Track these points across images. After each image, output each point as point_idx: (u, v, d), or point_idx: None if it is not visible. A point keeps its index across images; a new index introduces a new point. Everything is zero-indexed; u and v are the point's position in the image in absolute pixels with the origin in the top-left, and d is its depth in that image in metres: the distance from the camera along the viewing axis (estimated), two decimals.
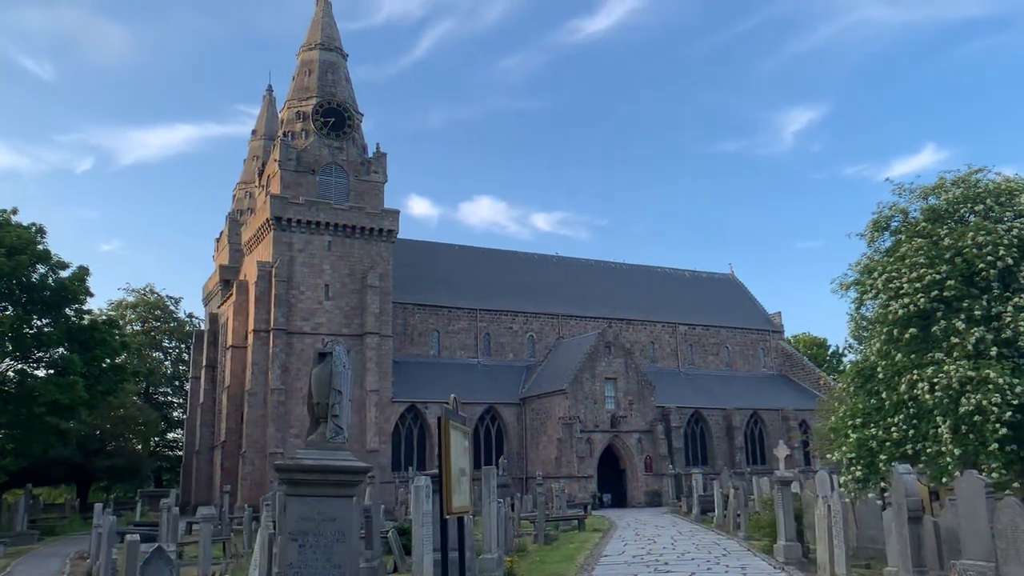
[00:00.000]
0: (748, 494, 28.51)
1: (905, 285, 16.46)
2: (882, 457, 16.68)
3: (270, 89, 69.74)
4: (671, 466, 50.14)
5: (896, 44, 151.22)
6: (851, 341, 32.67)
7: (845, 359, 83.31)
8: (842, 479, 17.29)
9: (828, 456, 18.66)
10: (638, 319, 63.75)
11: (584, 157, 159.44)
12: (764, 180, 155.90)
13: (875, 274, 17.33)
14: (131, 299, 73.21)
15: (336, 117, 51.43)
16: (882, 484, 16.92)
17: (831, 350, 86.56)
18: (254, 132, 69.77)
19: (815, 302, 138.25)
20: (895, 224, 18.57)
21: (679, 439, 54.26)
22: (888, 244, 18.65)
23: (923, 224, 17.58)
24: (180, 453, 67.26)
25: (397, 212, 51.67)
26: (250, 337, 47.89)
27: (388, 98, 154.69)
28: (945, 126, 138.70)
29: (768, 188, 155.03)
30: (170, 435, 74.56)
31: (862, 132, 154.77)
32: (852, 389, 19.00)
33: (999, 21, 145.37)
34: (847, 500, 16.83)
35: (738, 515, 25.36)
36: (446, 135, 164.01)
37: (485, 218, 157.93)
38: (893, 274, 16.82)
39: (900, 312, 16.44)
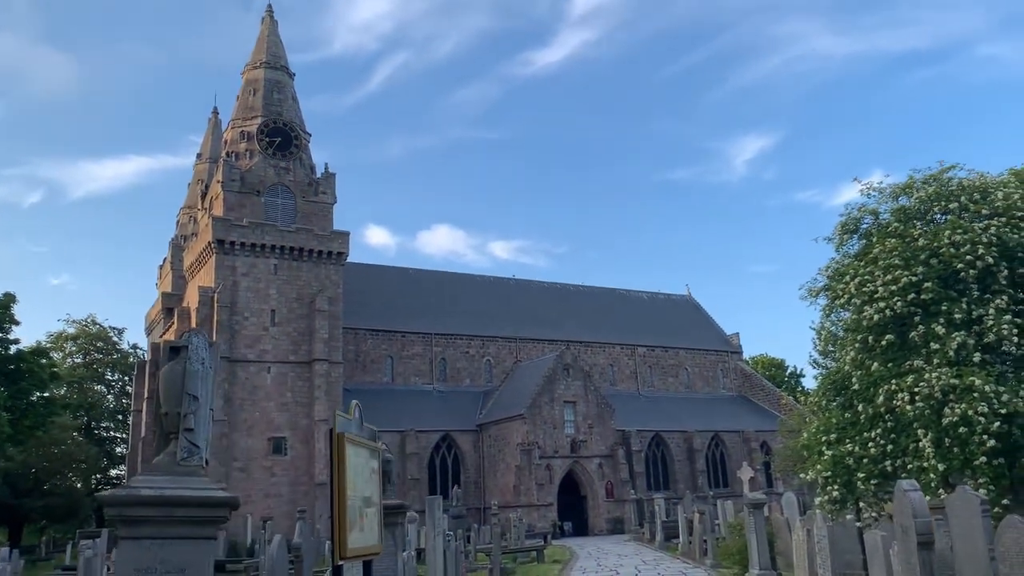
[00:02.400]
0: (714, 519, 27.16)
1: (880, 288, 15.29)
2: (860, 475, 15.38)
3: (215, 111, 67.71)
4: (633, 491, 48.69)
5: (842, 74, 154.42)
6: (815, 356, 31.81)
7: (803, 379, 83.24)
8: (817, 499, 15.98)
9: (803, 475, 17.36)
10: (596, 341, 62.55)
11: (541, 186, 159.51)
12: (718, 207, 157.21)
13: (846, 278, 16.15)
14: (71, 330, 69.98)
15: (282, 136, 49.65)
16: (860, 504, 15.66)
17: (789, 371, 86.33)
18: (199, 155, 67.56)
19: (771, 325, 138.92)
20: (865, 226, 17.47)
21: (640, 463, 52.88)
22: (858, 248, 17.53)
23: (895, 224, 16.49)
24: None
25: (347, 234, 49.88)
26: None
27: (345, 129, 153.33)
28: (891, 152, 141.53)
29: (722, 215, 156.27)
30: (112, 471, 71.14)
31: (812, 159, 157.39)
32: (824, 403, 17.71)
33: (937, 53, 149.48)
34: (830, 523, 15.52)
35: (704, 541, 23.97)
36: (403, 165, 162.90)
37: (443, 246, 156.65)
38: (866, 277, 15.66)
39: (875, 317, 15.26)
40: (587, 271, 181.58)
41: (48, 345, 62.91)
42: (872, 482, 15.39)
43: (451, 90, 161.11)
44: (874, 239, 16.67)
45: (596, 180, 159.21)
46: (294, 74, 53.77)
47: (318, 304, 47.36)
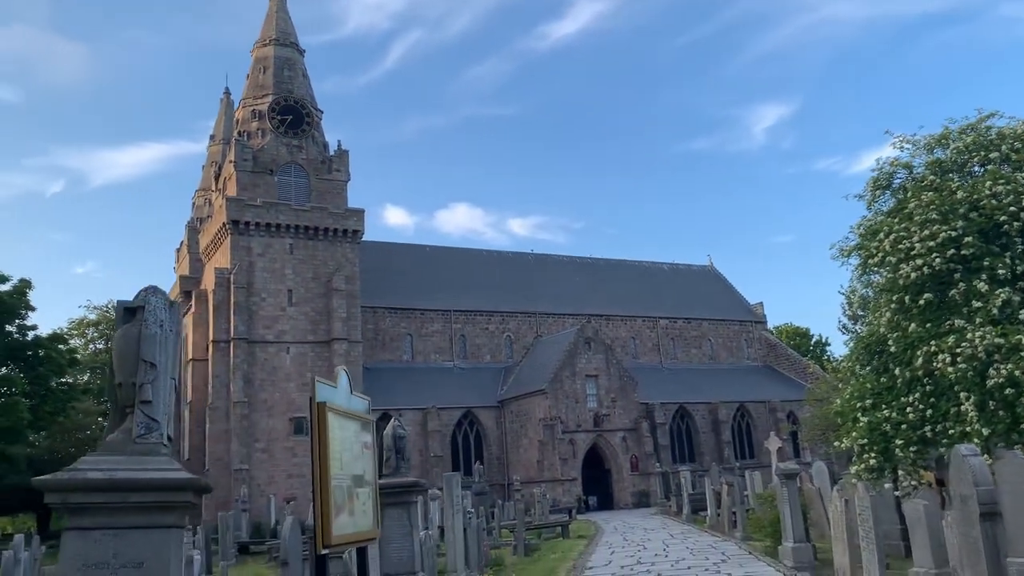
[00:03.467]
0: (742, 490, 26.49)
1: (916, 245, 14.40)
2: (898, 442, 14.58)
3: (227, 92, 67.01)
4: (658, 464, 48.10)
5: (860, 39, 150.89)
6: (845, 321, 30.86)
7: (829, 347, 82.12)
8: (853, 468, 15.23)
9: (836, 444, 16.56)
10: (618, 315, 61.74)
11: (558, 160, 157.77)
12: (737, 176, 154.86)
13: (880, 235, 15.26)
14: (93, 316, 70.28)
15: (294, 114, 49.00)
16: (898, 472, 14.89)
17: (814, 339, 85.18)
18: (212, 137, 67.08)
19: (794, 294, 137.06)
20: (898, 181, 16.53)
21: (664, 436, 52.22)
22: (891, 204, 16.61)
23: (931, 178, 15.58)
24: None
25: (362, 211, 49.32)
26: (210, 348, 45.31)
27: (360, 109, 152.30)
28: (912, 118, 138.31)
29: (741, 184, 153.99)
30: None
31: (831, 126, 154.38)
32: (857, 368, 16.88)
33: (958, 13, 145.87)
34: (872, 492, 14.80)
35: (733, 513, 23.34)
36: (420, 144, 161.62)
37: (461, 225, 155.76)
38: (902, 234, 14.77)
39: (912, 275, 14.39)
40: (606, 246, 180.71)
41: (70, 332, 63.07)
42: (911, 449, 14.64)
43: (465, 67, 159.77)
44: (908, 194, 15.76)
45: (613, 153, 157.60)
46: (304, 51, 53.04)
47: (335, 283, 46.93)
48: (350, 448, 4.49)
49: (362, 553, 4.99)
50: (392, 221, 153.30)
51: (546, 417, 46.67)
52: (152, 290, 4.19)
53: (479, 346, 56.27)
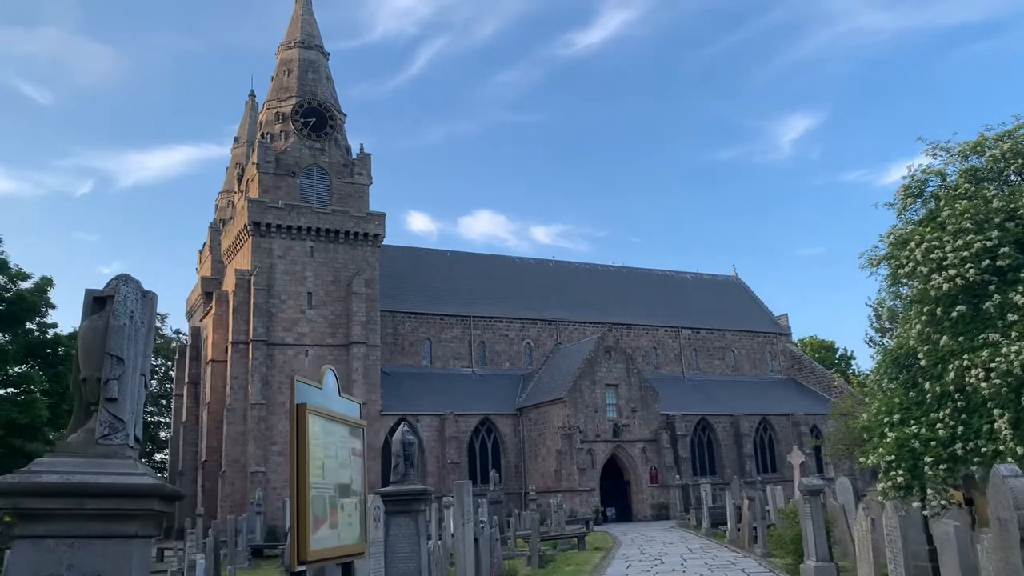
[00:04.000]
0: (763, 505, 25.90)
1: (950, 255, 13.86)
2: (927, 459, 14.02)
3: (252, 94, 67.37)
4: (678, 476, 47.41)
5: (890, 50, 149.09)
6: (872, 334, 30.18)
7: (854, 360, 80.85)
8: (880, 485, 14.67)
9: (863, 460, 15.97)
10: (639, 324, 61.13)
11: (582, 169, 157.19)
12: (763, 188, 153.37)
13: (911, 245, 14.71)
14: None
15: (317, 117, 49.02)
16: (927, 491, 14.30)
17: (839, 353, 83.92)
18: (236, 139, 67.41)
19: (819, 308, 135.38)
20: (931, 189, 15.97)
21: (685, 448, 51.50)
22: (922, 214, 16.04)
23: (964, 186, 15.02)
24: (167, 474, 64.79)
25: (383, 215, 49.17)
26: (229, 350, 45.30)
27: (386, 115, 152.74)
28: (941, 130, 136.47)
29: (767, 195, 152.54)
30: (157, 456, 72.12)
31: (859, 138, 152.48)
32: (885, 381, 16.29)
33: (992, 25, 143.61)
34: (902, 512, 14.26)
35: (754, 529, 22.74)
36: (444, 150, 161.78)
37: (484, 231, 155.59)
38: (934, 243, 14.22)
39: (945, 287, 13.85)
40: (629, 255, 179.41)
41: None
42: (940, 467, 14.07)
43: (491, 74, 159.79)
44: (941, 203, 15.20)
45: (638, 163, 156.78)
46: (329, 54, 53.10)
47: (355, 287, 46.80)
48: (335, 454, 4.13)
49: (347, 569, 4.61)
50: (415, 227, 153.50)
51: (564, 426, 46.17)
52: (124, 279, 3.86)
53: (498, 353, 55.90)
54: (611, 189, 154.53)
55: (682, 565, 19.75)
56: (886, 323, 27.90)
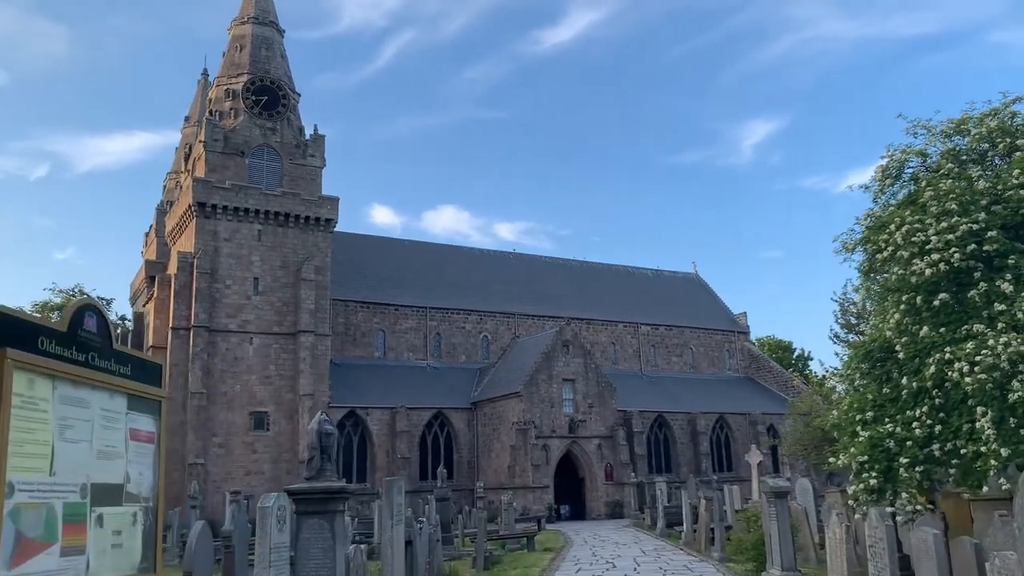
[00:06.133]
0: (721, 506, 24.77)
1: (933, 238, 12.74)
2: (902, 460, 12.88)
3: (205, 73, 64.90)
4: (633, 474, 46.37)
5: (852, 58, 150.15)
6: (837, 329, 29.22)
7: (811, 361, 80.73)
8: (851, 488, 13.53)
9: (832, 460, 14.81)
10: (598, 319, 60.02)
11: (547, 166, 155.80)
12: (725, 190, 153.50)
13: (891, 228, 13.56)
14: (58, 300, 67.74)
15: (269, 95, 46.98)
16: (903, 495, 13.15)
17: (796, 353, 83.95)
18: (187, 119, 64.83)
19: (777, 309, 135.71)
20: (911, 169, 14.86)
21: (641, 445, 50.51)
22: (901, 196, 14.93)
23: (948, 167, 13.92)
24: None
25: (336, 199, 47.31)
26: (170, 336, 43.15)
27: (351, 107, 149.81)
28: (900, 138, 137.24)
29: (729, 198, 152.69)
30: None
31: (819, 144, 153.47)
32: (857, 376, 15.14)
33: (949, 38, 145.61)
34: (858, 515, 13.14)
35: (711, 531, 21.58)
36: (409, 144, 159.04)
37: (448, 227, 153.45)
38: (916, 226, 13.09)
39: (927, 272, 12.71)
40: (592, 253, 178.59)
41: (35, 314, 60.54)
42: (917, 469, 12.95)
43: (459, 68, 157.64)
44: (923, 184, 14.09)
45: (603, 161, 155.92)
46: (284, 31, 51.04)
47: (304, 273, 44.93)
48: (88, 437, 2.70)
49: None
50: (379, 220, 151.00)
51: (520, 421, 44.84)
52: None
53: (455, 345, 54.40)
54: (575, 187, 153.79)
55: (635, 570, 18.50)
56: (852, 318, 27.00)
